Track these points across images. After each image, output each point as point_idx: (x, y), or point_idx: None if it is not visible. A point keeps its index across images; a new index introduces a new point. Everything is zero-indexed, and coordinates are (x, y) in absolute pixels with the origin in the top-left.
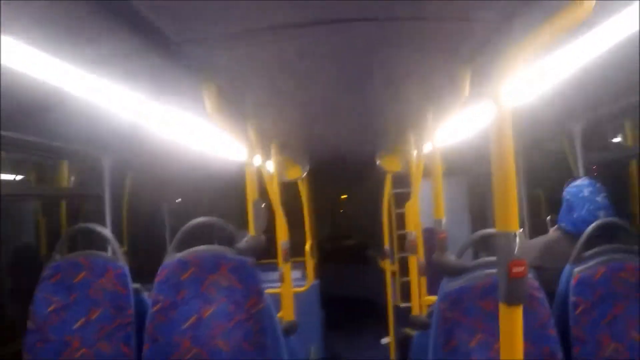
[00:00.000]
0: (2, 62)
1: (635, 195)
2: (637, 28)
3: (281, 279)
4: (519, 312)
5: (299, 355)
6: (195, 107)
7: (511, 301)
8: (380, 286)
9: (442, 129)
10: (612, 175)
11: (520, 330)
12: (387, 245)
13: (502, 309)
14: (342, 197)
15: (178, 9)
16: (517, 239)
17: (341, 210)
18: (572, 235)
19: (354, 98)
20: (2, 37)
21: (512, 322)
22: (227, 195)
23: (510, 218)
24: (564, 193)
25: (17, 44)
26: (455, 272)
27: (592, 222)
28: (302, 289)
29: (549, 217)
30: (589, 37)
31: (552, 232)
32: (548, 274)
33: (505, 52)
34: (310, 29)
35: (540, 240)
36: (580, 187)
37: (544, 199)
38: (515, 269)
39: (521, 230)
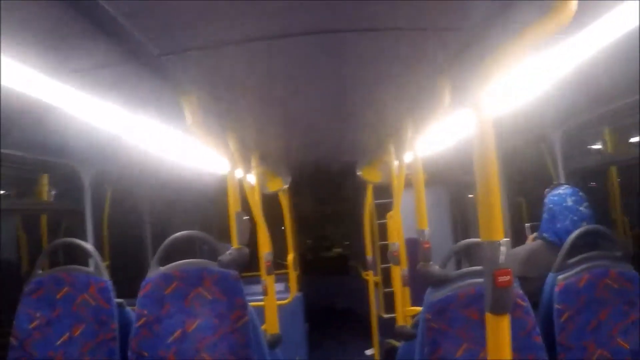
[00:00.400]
0: None
1: (616, 201)
2: (616, 36)
3: (264, 292)
4: (505, 321)
5: None
6: (176, 119)
7: (497, 310)
8: (363, 297)
9: (423, 138)
10: (592, 181)
11: (507, 339)
12: (369, 256)
13: (489, 318)
14: (324, 208)
15: (158, 21)
16: (503, 248)
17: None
18: (554, 244)
19: (334, 109)
20: None
21: (499, 331)
22: (208, 208)
23: (494, 227)
24: (546, 201)
25: None
26: (440, 282)
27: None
28: (285, 301)
29: (527, 225)
30: (568, 45)
31: (533, 241)
32: (531, 283)
33: (484, 60)
34: (289, 40)
35: (522, 249)
36: (563, 196)
37: (525, 207)
38: (501, 278)
39: (507, 239)
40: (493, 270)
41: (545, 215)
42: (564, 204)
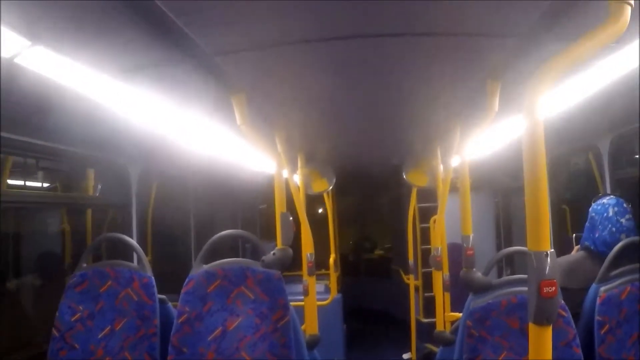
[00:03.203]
0: (34, 70)
1: None
2: None
3: (305, 292)
4: (548, 332)
5: None
6: (225, 119)
7: (541, 321)
8: (403, 301)
9: (471, 143)
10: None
11: (549, 350)
12: (411, 260)
13: (532, 328)
14: (367, 210)
15: (211, 21)
16: (549, 259)
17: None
18: (596, 254)
19: (381, 111)
20: (36, 46)
21: (541, 342)
22: (251, 207)
23: (542, 237)
24: (590, 209)
25: (50, 53)
26: (482, 289)
27: (613, 244)
28: (325, 302)
29: (574, 235)
30: (619, 54)
31: (576, 251)
32: (572, 294)
33: (536, 66)
34: (339, 43)
35: (564, 260)
36: (606, 206)
37: (569, 216)
38: (546, 289)
39: (552, 250)
40: (539, 280)
41: (588, 224)
42: (605, 214)
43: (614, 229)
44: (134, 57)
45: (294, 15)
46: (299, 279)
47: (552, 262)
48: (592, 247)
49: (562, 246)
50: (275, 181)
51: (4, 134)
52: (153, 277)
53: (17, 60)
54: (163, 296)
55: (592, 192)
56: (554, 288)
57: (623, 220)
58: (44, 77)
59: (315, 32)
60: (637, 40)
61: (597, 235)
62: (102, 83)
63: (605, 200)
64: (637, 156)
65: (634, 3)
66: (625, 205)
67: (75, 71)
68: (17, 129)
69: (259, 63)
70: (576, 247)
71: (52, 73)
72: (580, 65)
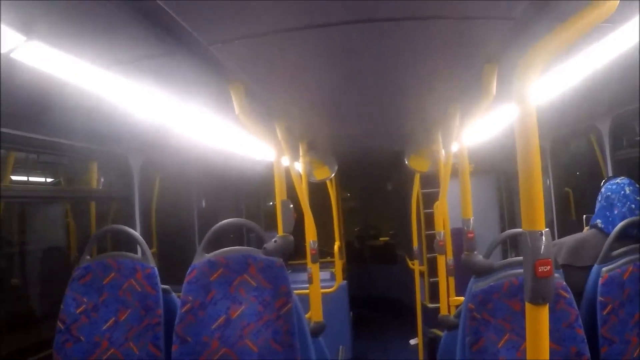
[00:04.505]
0: (34, 66)
1: None
2: None
3: (309, 280)
4: (544, 312)
5: (328, 355)
6: (224, 108)
7: (537, 300)
8: (408, 286)
9: (470, 128)
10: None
11: (546, 330)
12: (415, 246)
13: (528, 308)
14: (371, 196)
15: (207, 10)
16: (544, 238)
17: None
18: (606, 233)
19: (381, 98)
20: (34, 41)
21: (538, 322)
22: (254, 196)
23: (536, 217)
24: (603, 190)
25: (46, 47)
26: (483, 271)
27: None
28: (330, 289)
29: (584, 217)
30: (615, 34)
31: (586, 230)
32: (577, 273)
33: (530, 50)
34: (337, 29)
35: (571, 238)
36: (621, 184)
37: (572, 198)
38: (541, 268)
39: (547, 229)
40: (533, 259)
41: (602, 203)
42: (622, 192)
43: (633, 205)
44: (130, 49)
45: (289, 2)
46: (305, 268)
47: (547, 241)
48: (603, 226)
49: (566, 229)
50: (275, 169)
51: (3, 130)
52: (156, 268)
53: (13, 55)
54: (166, 286)
55: (594, 174)
56: (549, 267)
57: (639, 198)
58: (41, 72)
59: (312, 19)
60: (635, 19)
61: (615, 212)
62: (99, 76)
63: (618, 180)
64: (638, 137)
65: None
66: (637, 185)
67: (72, 65)
68: (17, 124)
69: (256, 52)
70: (586, 228)
71: (49, 67)
72: (575, 46)
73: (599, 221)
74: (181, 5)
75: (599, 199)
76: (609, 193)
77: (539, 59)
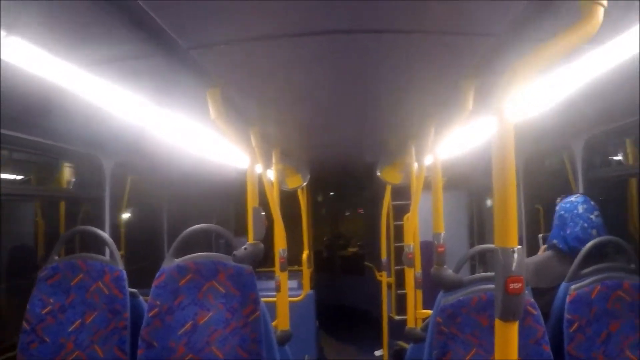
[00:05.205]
0: (7, 61)
1: (634, 214)
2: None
3: (277, 288)
4: (514, 328)
5: None
6: (199, 112)
7: (507, 317)
8: (375, 298)
9: (444, 142)
10: (611, 192)
11: (515, 347)
12: (384, 257)
13: (498, 324)
14: (342, 207)
15: (187, 13)
16: (516, 255)
17: (340, 221)
18: (564, 253)
19: (356, 108)
20: (8, 36)
21: (507, 338)
22: (226, 202)
23: (509, 233)
24: (557, 208)
25: (22, 43)
26: (452, 286)
27: (585, 240)
28: (297, 298)
29: (540, 235)
30: (592, 55)
31: (543, 251)
32: (541, 295)
33: (509, 67)
34: (315, 39)
35: (532, 261)
36: (574, 203)
37: (543, 215)
38: (513, 285)
39: (520, 247)
40: (505, 276)
41: (556, 222)
42: (575, 211)
43: (585, 224)
44: (108, 49)
45: (270, 10)
46: (272, 275)
47: (519, 259)
48: (560, 246)
49: (536, 246)
50: (248, 176)
51: None
52: (124, 271)
53: None
54: (134, 290)
55: (565, 192)
56: (520, 284)
57: (592, 216)
58: (18, 68)
59: (291, 28)
60: (614, 40)
61: (568, 232)
62: (75, 75)
63: (572, 198)
64: (610, 157)
65: (607, 4)
66: (592, 202)
67: (49, 62)
68: None
69: (235, 57)
70: (543, 247)
71: (26, 64)
72: (553, 66)
73: (555, 241)
74: (162, 7)
75: (555, 218)
76: (562, 212)
77: (520, 77)
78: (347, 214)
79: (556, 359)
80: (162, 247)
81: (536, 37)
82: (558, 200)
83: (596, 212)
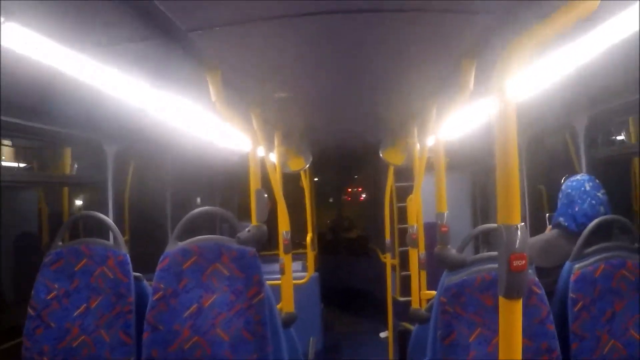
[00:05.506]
0: (6, 47)
1: (638, 193)
2: None
3: (281, 270)
4: (518, 307)
5: (298, 346)
6: (200, 96)
7: (511, 295)
8: (380, 279)
9: (446, 121)
10: (614, 172)
11: (519, 325)
12: (388, 239)
13: (502, 302)
14: (345, 188)
15: None
16: (519, 232)
17: (343, 202)
18: (570, 233)
19: (358, 89)
20: (7, 22)
21: (511, 317)
22: (228, 186)
23: (512, 211)
24: (563, 187)
25: (21, 29)
26: (456, 266)
27: (593, 216)
28: (302, 280)
29: (547, 215)
30: (594, 33)
31: (550, 230)
32: (547, 274)
33: (509, 45)
34: (315, 19)
35: (538, 239)
36: (581, 181)
37: (546, 195)
38: (516, 262)
39: (522, 224)
40: (508, 253)
41: (563, 201)
42: (582, 188)
43: (593, 201)
44: (107, 32)
45: None
46: (276, 259)
47: (522, 236)
48: (567, 223)
49: (539, 225)
50: (250, 158)
51: None
52: (128, 255)
53: None
54: (138, 274)
55: (569, 172)
56: (523, 261)
57: (599, 194)
58: (18, 54)
59: (291, 8)
60: (613, 18)
61: (576, 209)
62: (75, 59)
63: (578, 177)
64: (614, 136)
65: None
66: (597, 181)
67: (48, 47)
68: None
69: (234, 39)
70: (549, 227)
71: (25, 49)
72: (554, 43)
73: (561, 219)
74: None
75: (560, 197)
76: (569, 190)
77: (520, 55)
78: (352, 195)
79: (561, 338)
80: (166, 231)
81: (536, 13)
82: (564, 179)
83: (602, 191)
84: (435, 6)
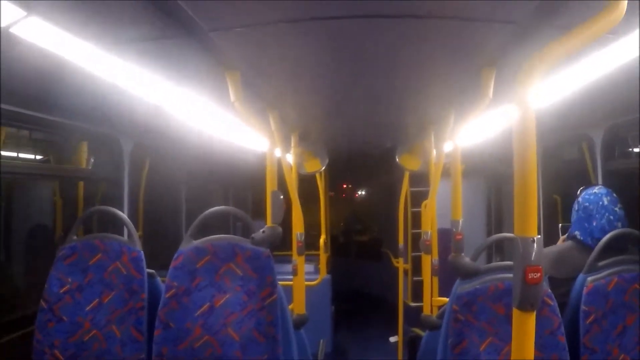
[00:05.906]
0: (28, 41)
1: None
2: None
3: (294, 272)
4: (531, 318)
5: (308, 348)
6: (219, 95)
7: (525, 307)
8: (391, 284)
9: (464, 129)
10: (630, 184)
11: (531, 336)
12: (401, 244)
13: (516, 314)
14: (360, 192)
15: None
16: (536, 245)
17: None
18: (585, 245)
19: (376, 93)
20: (29, 17)
21: (524, 328)
22: (242, 185)
23: (529, 223)
24: (580, 199)
25: (43, 23)
26: (470, 274)
27: (610, 232)
28: (314, 282)
29: (560, 225)
30: (614, 46)
31: (564, 241)
32: (559, 284)
33: (531, 55)
34: (336, 22)
35: (552, 250)
36: (598, 195)
37: (560, 205)
38: (532, 275)
39: (539, 236)
40: (524, 266)
41: (580, 214)
42: (600, 203)
43: (611, 217)
44: (129, 30)
45: None
46: (289, 259)
47: (538, 248)
48: (583, 238)
49: (552, 234)
50: (267, 159)
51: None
52: (142, 251)
53: (12, 30)
54: (152, 270)
55: (584, 182)
56: (539, 274)
57: (617, 209)
58: (39, 48)
59: (312, 12)
60: (635, 32)
61: (594, 224)
62: (96, 55)
63: (595, 190)
64: (631, 148)
65: None
66: (614, 194)
67: (70, 43)
68: (11, 99)
69: (255, 41)
70: (562, 237)
71: (47, 44)
72: (574, 55)
73: (577, 232)
74: None
75: (576, 209)
76: (587, 204)
77: (543, 65)
78: (366, 198)
79: (571, 350)
80: (180, 228)
81: (558, 25)
82: (580, 190)
83: (619, 205)
84: (456, 13)
